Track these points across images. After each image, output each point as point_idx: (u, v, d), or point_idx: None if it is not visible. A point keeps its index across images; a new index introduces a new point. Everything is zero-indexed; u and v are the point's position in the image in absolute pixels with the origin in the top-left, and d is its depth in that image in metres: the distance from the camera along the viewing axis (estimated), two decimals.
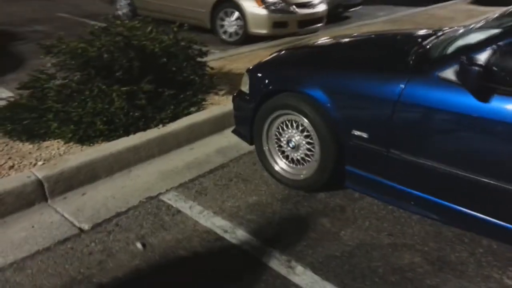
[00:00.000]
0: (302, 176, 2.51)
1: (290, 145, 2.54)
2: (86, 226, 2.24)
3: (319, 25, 6.68)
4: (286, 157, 2.61)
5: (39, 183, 2.43)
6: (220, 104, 3.61)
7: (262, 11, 6.02)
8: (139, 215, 2.33)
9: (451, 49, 1.99)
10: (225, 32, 6.38)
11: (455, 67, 1.80)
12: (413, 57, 2.12)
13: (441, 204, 2.02)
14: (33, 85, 3.26)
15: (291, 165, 2.59)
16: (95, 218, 2.31)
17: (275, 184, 2.64)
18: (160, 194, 2.53)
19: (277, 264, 1.98)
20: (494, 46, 1.73)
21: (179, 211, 2.37)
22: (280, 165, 2.62)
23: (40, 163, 2.61)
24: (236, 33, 6.28)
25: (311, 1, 6.54)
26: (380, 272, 1.94)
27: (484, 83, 1.70)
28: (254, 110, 2.65)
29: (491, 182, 1.81)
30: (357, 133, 2.19)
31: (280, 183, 2.62)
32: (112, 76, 3.20)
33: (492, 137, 1.78)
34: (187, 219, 2.30)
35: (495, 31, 1.84)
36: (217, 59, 5.05)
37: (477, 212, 1.92)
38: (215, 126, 3.38)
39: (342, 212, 2.37)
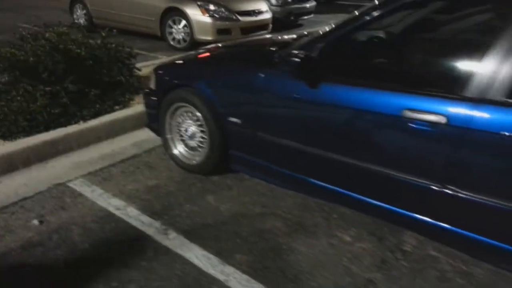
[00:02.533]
0: (195, 161, 2.83)
1: (188, 133, 2.85)
2: None
3: (263, 32, 7.06)
4: (186, 145, 2.92)
5: None
6: None
7: (206, 19, 6.37)
8: (43, 199, 2.59)
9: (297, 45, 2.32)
10: (173, 39, 6.70)
11: (292, 61, 2.13)
12: (276, 55, 2.45)
13: (302, 179, 2.34)
14: None
15: (190, 151, 2.90)
16: (3, 202, 2.55)
17: (177, 170, 2.93)
18: (68, 181, 2.80)
19: (155, 232, 2.27)
20: (321, 42, 2.08)
21: (80, 194, 2.64)
22: (180, 151, 2.93)
23: None
24: (184, 39, 6.61)
25: (255, 10, 6.93)
26: (243, 234, 2.25)
27: (310, 73, 2.04)
28: (159, 104, 2.95)
29: (332, 156, 2.14)
30: (232, 119, 2.51)
31: (181, 168, 2.92)
32: (38, 77, 3.47)
33: (323, 117, 2.12)
34: (86, 200, 2.58)
35: (326, 29, 2.19)
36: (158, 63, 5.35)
37: (328, 183, 2.24)
38: (138, 122, 3.66)
39: (228, 191, 2.68)
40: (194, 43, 6.45)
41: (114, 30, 4.24)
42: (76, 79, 3.60)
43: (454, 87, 1.71)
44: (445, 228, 1.85)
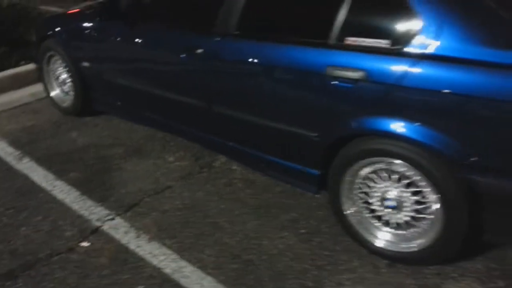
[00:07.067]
0: (66, 104, 3.24)
1: (60, 80, 3.24)
2: None
3: None
4: (62, 90, 3.31)
5: None
6: None
7: None
8: None
9: None
10: None
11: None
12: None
13: (138, 113, 2.77)
14: None
15: (65, 95, 3.30)
16: None
17: (58, 114, 3.34)
18: None
19: (12, 159, 2.71)
20: None
21: None
22: (57, 95, 3.33)
23: None
24: None
25: None
26: (86, 159, 2.69)
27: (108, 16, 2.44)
28: (37, 53, 3.33)
29: (147, 89, 2.55)
30: (85, 64, 2.89)
31: (59, 111, 3.33)
32: None
33: (133, 55, 2.54)
34: None
35: None
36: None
37: (152, 114, 2.66)
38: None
39: (93, 128, 3.10)
40: None
41: None
42: None
43: (211, 24, 2.09)
44: (220, 141, 2.29)
